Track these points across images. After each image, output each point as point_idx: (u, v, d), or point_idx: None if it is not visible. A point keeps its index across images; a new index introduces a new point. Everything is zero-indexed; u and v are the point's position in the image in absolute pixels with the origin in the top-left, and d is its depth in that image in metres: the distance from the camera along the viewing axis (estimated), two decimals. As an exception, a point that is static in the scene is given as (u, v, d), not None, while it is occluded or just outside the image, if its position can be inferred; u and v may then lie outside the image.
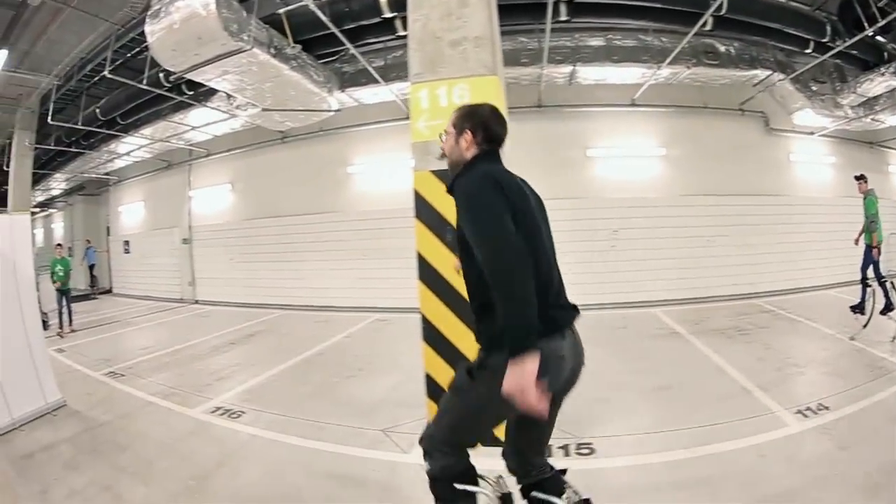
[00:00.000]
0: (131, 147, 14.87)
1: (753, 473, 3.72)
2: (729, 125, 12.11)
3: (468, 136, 2.32)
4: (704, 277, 11.37)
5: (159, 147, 15.05)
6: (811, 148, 12.97)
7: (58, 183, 20.44)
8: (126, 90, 11.46)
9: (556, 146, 11.55)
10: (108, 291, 20.78)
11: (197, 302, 15.63)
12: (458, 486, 2.27)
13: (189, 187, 16.27)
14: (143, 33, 7.96)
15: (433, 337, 4.25)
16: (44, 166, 17.67)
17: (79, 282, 18.83)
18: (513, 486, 2.53)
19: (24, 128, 13.58)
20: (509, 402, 1.87)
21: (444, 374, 4.15)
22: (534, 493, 2.39)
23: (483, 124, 2.32)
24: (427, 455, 2.34)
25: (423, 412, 4.61)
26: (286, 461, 4.40)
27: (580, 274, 9.11)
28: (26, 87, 12.28)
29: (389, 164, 11.77)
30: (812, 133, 12.82)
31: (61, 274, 11.05)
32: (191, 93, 11.03)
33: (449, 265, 4.10)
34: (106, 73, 9.50)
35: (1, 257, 5.80)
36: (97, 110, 12.35)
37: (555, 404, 2.17)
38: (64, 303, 11.14)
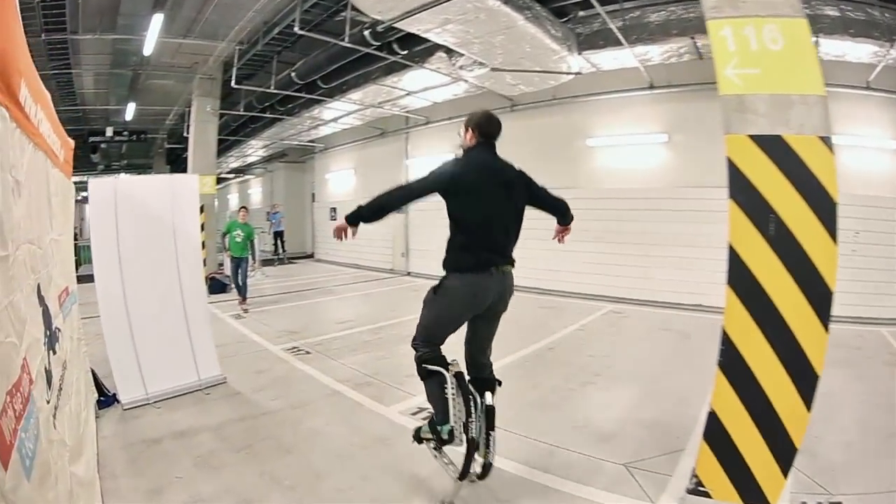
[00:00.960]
0: (338, 113, 14.51)
1: None
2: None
3: (469, 133, 3.55)
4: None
5: (371, 113, 14.60)
6: None
7: (254, 150, 21.22)
8: (325, 51, 10.50)
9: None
10: (310, 256, 21.78)
11: (409, 274, 15.50)
12: (429, 367, 3.31)
13: (406, 156, 15.97)
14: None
15: (734, 365, 3.13)
16: (235, 132, 18.19)
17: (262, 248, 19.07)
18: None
19: (203, 94, 13.62)
20: (457, 312, 3.33)
21: (736, 418, 3.12)
22: (472, 388, 3.42)
23: (477, 125, 3.54)
24: (414, 348, 3.41)
25: (683, 451, 3.88)
26: (508, 498, 3.37)
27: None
28: (200, 54, 12.16)
29: (631, 139, 10.57)
30: None
31: (238, 241, 9.93)
32: (404, 52, 9.70)
33: (771, 267, 3.06)
34: (297, 29, 8.71)
35: (157, 220, 5.41)
36: (292, 74, 11.59)
37: (492, 318, 3.51)
38: (239, 274, 10.04)
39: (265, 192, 26.01)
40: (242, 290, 9.99)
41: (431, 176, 3.32)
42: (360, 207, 3.30)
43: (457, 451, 3.32)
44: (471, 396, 3.37)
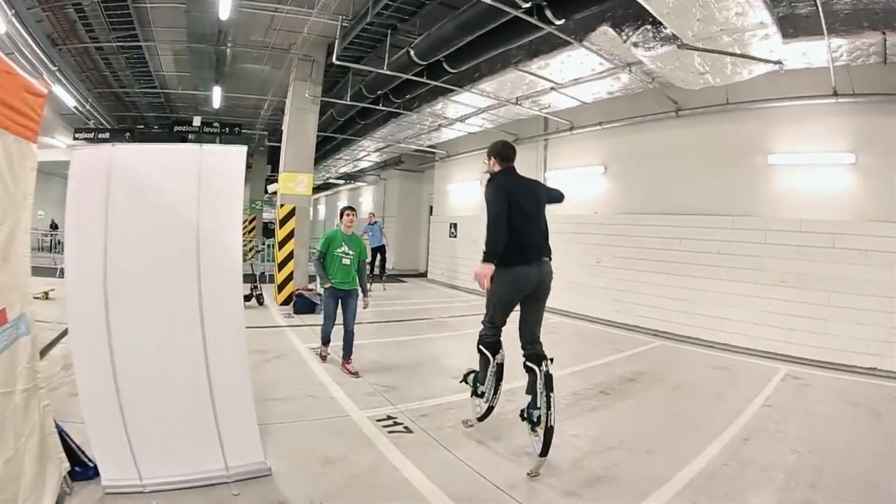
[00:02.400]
0: (464, 110, 12.85)
1: None
2: None
3: (493, 159, 4.62)
4: None
5: (505, 113, 12.92)
6: None
7: (366, 153, 20.34)
8: (454, 18, 8.50)
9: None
10: (423, 275, 20.62)
11: None
12: (481, 349, 4.69)
13: (544, 167, 14.12)
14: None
15: None
16: (343, 129, 17.00)
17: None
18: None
19: (301, 78, 12.20)
20: (508, 296, 4.45)
21: None
22: (525, 362, 4.43)
23: (499, 153, 4.60)
24: (483, 325, 4.69)
25: None
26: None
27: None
28: (297, 31, 11.05)
29: (812, 157, 9.02)
30: None
31: (345, 263, 6.72)
32: (559, 22, 7.63)
33: None
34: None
35: (171, 214, 3.61)
36: (411, 52, 9.60)
37: (538, 301, 4.52)
38: (343, 316, 6.88)
39: (377, 202, 25.16)
40: (347, 345, 6.84)
41: (499, 202, 4.27)
42: (490, 251, 4.27)
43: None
44: (549, 413, 4.15)
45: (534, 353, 4.41)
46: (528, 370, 4.36)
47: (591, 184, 12.51)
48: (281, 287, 11.44)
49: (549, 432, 4.05)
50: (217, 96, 15.69)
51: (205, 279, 3.60)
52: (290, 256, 11.46)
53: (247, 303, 11.09)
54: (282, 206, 11.56)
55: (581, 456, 4.47)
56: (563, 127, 13.09)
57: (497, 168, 4.59)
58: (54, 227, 22.39)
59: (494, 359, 4.59)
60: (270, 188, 20.38)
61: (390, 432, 4.81)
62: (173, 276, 3.58)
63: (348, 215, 7.01)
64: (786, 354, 8.68)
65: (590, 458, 4.43)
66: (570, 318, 11.97)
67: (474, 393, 4.85)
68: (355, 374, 6.53)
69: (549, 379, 4.22)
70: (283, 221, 11.50)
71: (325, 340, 7.18)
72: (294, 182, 11.58)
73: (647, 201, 11.25)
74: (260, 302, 11.49)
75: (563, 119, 12.62)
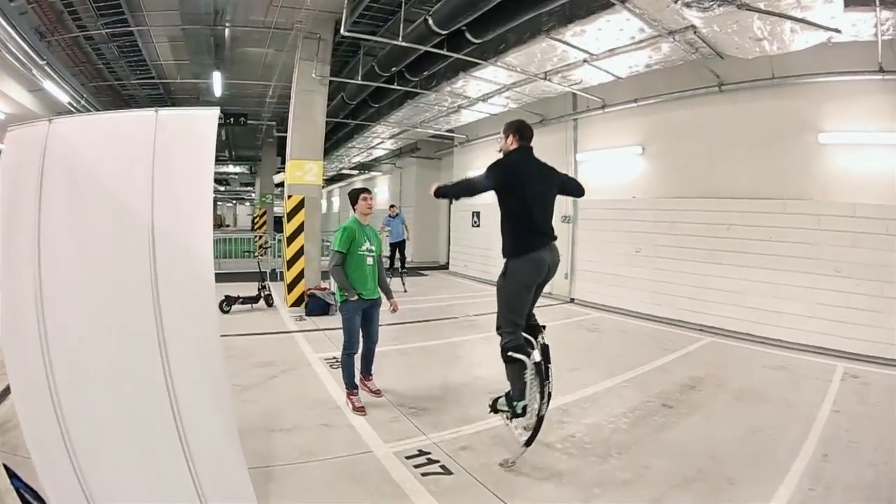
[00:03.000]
0: (487, 87, 11.72)
1: None
2: None
3: (511, 138, 4.41)
4: None
5: (531, 91, 11.78)
6: None
7: (380, 140, 19.41)
8: None
9: None
10: (444, 268, 20.08)
11: (573, 301, 13.02)
12: (511, 356, 4.11)
13: (574, 149, 13.23)
14: None
15: None
16: (355, 114, 16.01)
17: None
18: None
19: (307, 58, 11.13)
20: (526, 288, 4.19)
21: None
22: (525, 335, 4.28)
23: (517, 130, 4.39)
24: (501, 336, 4.22)
25: None
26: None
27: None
28: (295, 7, 10.29)
29: (860, 136, 8.48)
30: None
31: (369, 264, 5.34)
32: None
33: None
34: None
35: (117, 200, 2.76)
36: (429, 21, 8.52)
37: (541, 286, 4.31)
38: (366, 332, 5.51)
39: (392, 192, 24.37)
40: (368, 361, 5.63)
41: (491, 176, 4.24)
42: (445, 191, 4.53)
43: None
44: (546, 382, 4.14)
45: (530, 324, 4.39)
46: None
47: (627, 166, 11.65)
48: (291, 286, 10.45)
49: (539, 422, 4.09)
50: (218, 83, 14.76)
51: (163, 286, 2.75)
52: (300, 252, 10.47)
53: (255, 304, 10.36)
54: (289, 197, 10.55)
55: (661, 495, 3.73)
56: (595, 105, 12.13)
57: (513, 147, 4.42)
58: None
59: (530, 358, 4.14)
60: (276, 178, 19.10)
61: (424, 474, 3.91)
62: (123, 282, 2.74)
63: (365, 199, 5.47)
64: (840, 350, 8.19)
65: (673, 497, 3.72)
66: (608, 313, 11.23)
67: (512, 415, 4.21)
68: (377, 393, 5.53)
69: (545, 350, 4.27)
70: (291, 214, 10.50)
71: (353, 384, 5.32)
72: (302, 171, 10.56)
73: (689, 184, 10.51)
74: (269, 303, 10.66)
75: (594, 96, 11.66)
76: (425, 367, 6.85)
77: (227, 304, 9.98)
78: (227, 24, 11.58)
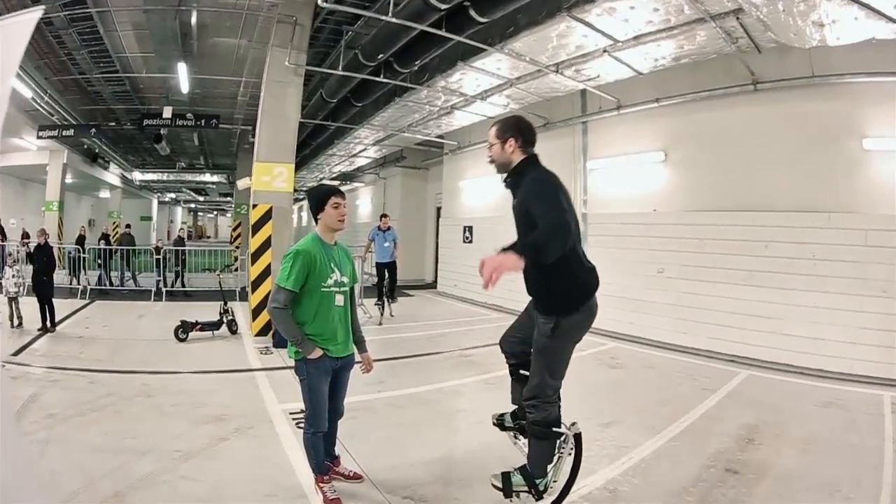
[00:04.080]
0: (487, 81, 10.40)
1: None
2: None
3: (512, 142, 3.29)
4: None
5: (536, 89, 10.58)
6: None
7: (363, 146, 18.22)
8: None
9: None
10: (431, 287, 18.91)
11: None
12: (555, 430, 3.25)
13: (584, 156, 12.13)
14: None
15: None
16: (336, 115, 14.62)
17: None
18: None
19: (280, 45, 9.66)
20: (572, 347, 3.25)
21: None
22: (521, 371, 3.56)
23: (526, 132, 3.32)
24: (535, 408, 3.21)
25: None
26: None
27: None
28: None
29: None
30: None
31: (339, 306, 3.63)
32: None
33: None
34: None
35: None
36: None
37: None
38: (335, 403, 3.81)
39: (375, 205, 23.09)
40: (329, 443, 3.90)
41: (558, 199, 3.01)
42: (536, 253, 2.78)
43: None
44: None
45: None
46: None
47: (647, 174, 10.57)
48: (256, 312, 8.87)
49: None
50: (184, 77, 13.49)
51: None
52: (266, 272, 8.86)
53: (216, 331, 8.98)
54: (254, 206, 9.01)
55: None
56: (608, 106, 10.98)
57: (518, 155, 3.33)
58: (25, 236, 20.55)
59: (571, 430, 3.39)
60: (241, 184, 16.54)
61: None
62: None
63: (337, 205, 3.63)
64: (885, 378, 7.67)
65: None
66: (627, 343, 10.02)
67: (536, 496, 3.30)
68: (355, 478, 3.92)
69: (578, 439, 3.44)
70: (257, 227, 8.95)
71: (324, 468, 3.71)
72: (270, 175, 9.00)
73: (720, 196, 9.51)
74: (232, 330, 9.23)
75: (609, 95, 10.52)
76: (419, 428, 5.36)
77: (183, 331, 8.58)
78: (193, 6, 10.42)
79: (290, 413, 5.35)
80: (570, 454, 3.32)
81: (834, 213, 8.19)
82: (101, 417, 5.14)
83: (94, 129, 18.18)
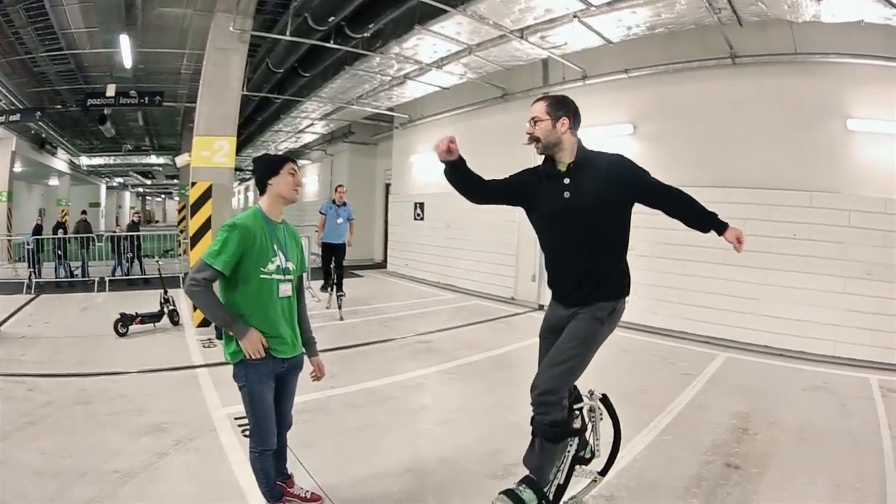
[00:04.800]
0: (444, 47, 9.77)
1: None
2: None
3: (566, 121, 3.01)
4: None
5: (496, 57, 10.06)
6: None
7: (310, 122, 17.78)
8: None
9: None
10: (381, 266, 18.60)
11: (542, 307, 11.30)
12: (574, 426, 3.08)
13: None
14: None
15: None
16: (282, 87, 14.25)
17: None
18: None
19: (225, 10, 8.79)
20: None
21: None
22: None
23: (575, 112, 3.07)
24: (551, 405, 2.87)
25: None
26: None
27: None
28: None
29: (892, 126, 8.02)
30: None
31: (286, 297, 3.01)
32: None
33: None
34: None
35: None
36: None
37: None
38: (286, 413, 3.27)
39: (322, 182, 22.74)
40: (279, 460, 3.28)
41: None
42: (709, 214, 3.21)
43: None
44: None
45: None
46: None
47: (615, 148, 9.63)
48: (198, 302, 8.05)
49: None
50: (128, 51, 12.60)
51: None
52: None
53: (157, 322, 8.25)
54: (193, 184, 8.15)
55: None
56: (573, 76, 10.54)
57: (570, 137, 3.08)
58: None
59: (592, 399, 3.40)
60: (179, 161, 14.71)
61: None
62: None
63: (293, 172, 3.04)
64: (870, 360, 7.77)
65: None
66: None
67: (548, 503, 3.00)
68: (314, 500, 3.29)
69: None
70: (196, 207, 8.10)
71: (276, 492, 3.13)
72: (210, 150, 8.13)
73: (695, 170, 9.22)
74: (174, 321, 8.51)
75: (574, 65, 10.10)
76: (380, 431, 4.74)
77: (122, 324, 7.83)
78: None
79: (236, 419, 4.68)
80: (601, 419, 3.33)
81: (816, 193, 8.17)
82: (39, 432, 4.45)
83: (38, 113, 17.44)
